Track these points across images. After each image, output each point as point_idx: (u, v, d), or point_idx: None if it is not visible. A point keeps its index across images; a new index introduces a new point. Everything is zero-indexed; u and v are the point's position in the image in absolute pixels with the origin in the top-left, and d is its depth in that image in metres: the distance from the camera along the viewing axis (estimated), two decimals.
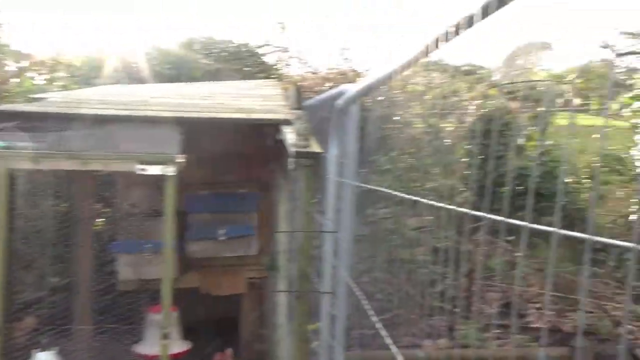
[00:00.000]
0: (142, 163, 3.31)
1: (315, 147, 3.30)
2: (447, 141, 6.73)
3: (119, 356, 4.29)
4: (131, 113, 3.95)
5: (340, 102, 2.65)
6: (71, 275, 5.08)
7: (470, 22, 1.27)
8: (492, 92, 8.40)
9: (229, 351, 4.69)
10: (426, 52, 1.54)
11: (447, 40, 1.39)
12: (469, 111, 7.83)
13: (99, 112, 3.98)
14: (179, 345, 4.04)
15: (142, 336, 4.27)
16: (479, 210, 1.37)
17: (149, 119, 3.82)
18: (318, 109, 3.89)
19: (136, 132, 3.75)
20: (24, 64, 8.53)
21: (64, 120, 3.80)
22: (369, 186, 2.31)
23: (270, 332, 4.68)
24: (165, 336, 3.24)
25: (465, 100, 7.85)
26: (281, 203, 4.36)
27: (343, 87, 2.77)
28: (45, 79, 8.21)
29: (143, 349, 4.15)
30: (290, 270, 4.05)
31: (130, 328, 4.48)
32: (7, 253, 3.32)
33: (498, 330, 5.68)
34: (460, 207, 1.44)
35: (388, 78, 1.89)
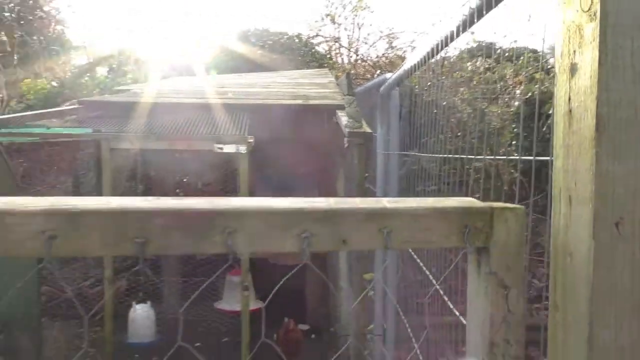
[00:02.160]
0: (219, 143, 4.08)
1: (365, 128, 4.02)
2: (494, 124, 7.26)
3: (202, 311, 5.14)
4: (205, 101, 4.76)
5: (383, 87, 3.33)
6: None
7: None
8: (538, 75, 8.78)
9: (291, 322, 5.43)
10: (452, 36, 1.80)
11: (468, 24, 1.60)
12: (515, 95, 8.29)
13: (176, 100, 4.82)
14: (254, 304, 4.83)
15: (221, 296, 5.13)
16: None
17: (221, 106, 4.62)
18: (368, 95, 4.58)
19: (210, 116, 4.56)
20: (92, 58, 9.59)
21: (148, 108, 4.66)
22: (410, 152, 2.96)
23: (332, 297, 5.41)
24: (246, 288, 4.03)
25: (511, 84, 8.30)
26: (338, 179, 5.07)
27: (387, 75, 3.44)
28: (112, 72, 9.20)
29: (223, 306, 5.01)
30: None
31: (211, 290, 5.33)
32: None
33: (547, 302, 6.22)
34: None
35: (421, 63, 2.53)
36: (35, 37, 8.51)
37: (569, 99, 0.65)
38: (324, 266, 5.63)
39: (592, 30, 0.61)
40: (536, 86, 8.10)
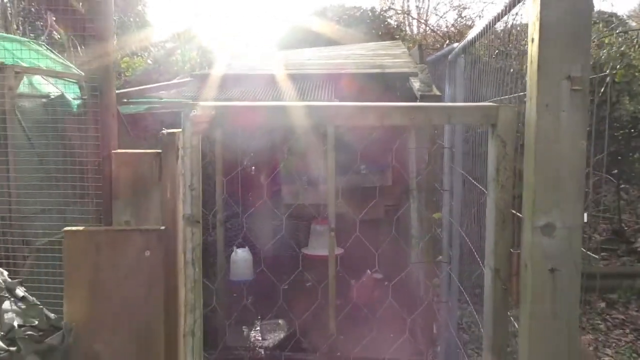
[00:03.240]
0: None
1: (435, 91, 4.84)
2: None
3: (291, 256, 6.12)
4: (293, 71, 5.68)
5: (451, 55, 4.13)
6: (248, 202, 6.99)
7: None
8: (606, 40, 9.12)
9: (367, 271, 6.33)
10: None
11: None
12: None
13: (267, 72, 5.76)
14: (337, 249, 5.76)
15: (307, 243, 6.11)
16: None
17: (309, 76, 5.53)
18: (437, 63, 5.37)
19: (299, 84, 5.47)
20: (180, 37, 10.67)
21: (245, 79, 5.62)
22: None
23: (406, 247, 6.28)
24: (332, 230, 4.94)
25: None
26: (410, 134, 5.90)
27: (454, 44, 4.24)
28: (200, 50, 10.23)
29: (309, 251, 5.99)
30: (420, 191, 5.61)
31: (296, 238, 6.31)
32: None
33: (604, 253, 6.95)
34: None
35: (484, 31, 3.29)
36: (131, 19, 9.67)
37: (532, 53, 1.50)
38: (397, 220, 6.50)
39: (538, 24, 1.45)
40: (604, 51, 8.55)
